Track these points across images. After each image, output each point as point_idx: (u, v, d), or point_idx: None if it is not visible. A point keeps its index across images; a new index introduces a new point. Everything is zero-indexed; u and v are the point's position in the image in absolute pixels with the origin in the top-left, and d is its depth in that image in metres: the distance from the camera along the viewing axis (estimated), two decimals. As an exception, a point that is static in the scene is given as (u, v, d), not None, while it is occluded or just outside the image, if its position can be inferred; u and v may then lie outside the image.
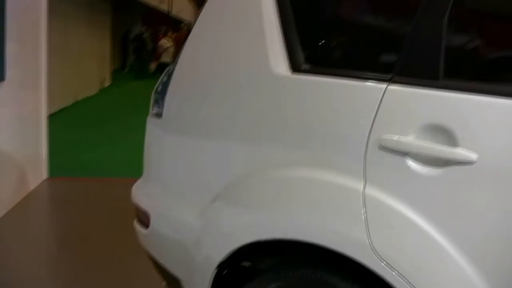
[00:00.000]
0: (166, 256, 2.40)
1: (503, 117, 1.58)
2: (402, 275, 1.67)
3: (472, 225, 1.61)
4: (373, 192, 1.73)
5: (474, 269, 1.60)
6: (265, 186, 1.97)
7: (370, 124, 1.74)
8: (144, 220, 2.46)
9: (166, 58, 17.65)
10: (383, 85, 1.74)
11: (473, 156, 1.58)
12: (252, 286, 2.06)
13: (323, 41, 2.08)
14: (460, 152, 1.60)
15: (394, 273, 1.68)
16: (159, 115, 2.36)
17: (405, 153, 1.68)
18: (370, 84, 1.77)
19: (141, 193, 2.53)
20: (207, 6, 2.26)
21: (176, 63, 2.32)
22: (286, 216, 1.92)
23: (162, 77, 2.41)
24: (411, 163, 1.68)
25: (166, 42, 19.18)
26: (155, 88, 2.44)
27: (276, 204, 1.95)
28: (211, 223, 2.13)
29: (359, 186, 1.75)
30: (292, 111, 1.94)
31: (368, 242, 1.71)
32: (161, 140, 2.38)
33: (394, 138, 1.69)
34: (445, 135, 1.63)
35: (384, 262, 1.69)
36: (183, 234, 2.25)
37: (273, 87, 2.00)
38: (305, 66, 1.95)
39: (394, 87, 1.73)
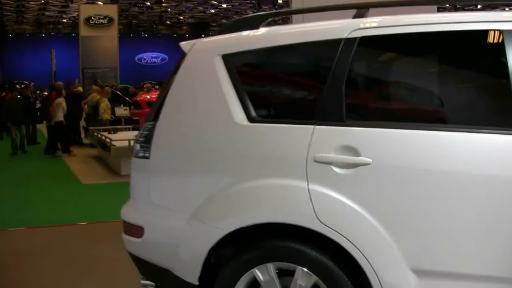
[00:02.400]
0: (159, 255, 3.47)
1: (381, 138, 2.98)
2: (337, 231, 2.97)
3: (374, 198, 2.96)
4: (313, 187, 3.02)
5: (379, 224, 2.93)
6: (246, 191, 3.18)
7: (307, 149, 3.05)
8: (137, 232, 3.52)
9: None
10: (312, 126, 3.07)
11: (369, 160, 2.95)
12: (239, 258, 3.25)
13: (268, 102, 3.40)
14: (361, 159, 2.96)
15: (332, 230, 2.98)
16: (146, 157, 3.46)
17: (329, 163, 3.01)
18: (304, 126, 3.09)
19: (132, 213, 3.61)
20: (177, 79, 3.43)
21: (157, 120, 3.44)
22: (262, 207, 3.15)
23: (142, 131, 3.52)
24: (334, 168, 3.01)
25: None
26: (137, 139, 3.54)
27: (255, 200, 3.17)
28: (201, 222, 3.28)
29: (305, 184, 3.04)
30: (252, 145, 3.20)
31: (315, 215, 3.00)
32: (149, 174, 3.48)
33: (322, 155, 3.02)
34: (351, 150, 2.98)
35: (326, 226, 2.99)
36: (175, 236, 3.36)
37: (235, 132, 3.24)
38: (256, 117, 3.22)
39: (319, 127, 3.07)
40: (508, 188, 2.76)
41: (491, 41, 2.98)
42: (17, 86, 24.55)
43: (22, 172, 12.96)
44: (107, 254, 6.15)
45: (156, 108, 3.53)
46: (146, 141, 3.48)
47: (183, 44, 3.57)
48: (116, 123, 16.18)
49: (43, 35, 45.12)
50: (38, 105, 20.84)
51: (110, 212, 8.37)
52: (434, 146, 2.89)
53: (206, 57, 3.42)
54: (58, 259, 6.10)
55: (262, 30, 3.46)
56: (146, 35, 47.19)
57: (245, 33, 3.46)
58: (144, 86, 22.72)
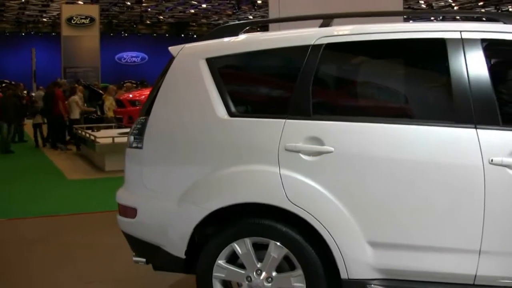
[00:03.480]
0: (150, 233, 3.97)
1: (342, 130, 3.51)
2: (305, 210, 3.50)
3: (336, 181, 3.49)
4: (284, 171, 3.54)
5: (340, 203, 3.44)
6: (226, 176, 3.69)
7: (279, 139, 3.57)
8: (130, 213, 4.02)
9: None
10: (283, 120, 3.60)
11: (331, 148, 3.47)
12: (220, 234, 3.76)
13: (246, 99, 3.93)
14: (325, 147, 3.49)
15: (300, 209, 3.50)
16: (139, 147, 3.96)
17: (298, 151, 3.53)
18: (277, 120, 3.61)
19: (126, 197, 4.10)
20: (167, 79, 3.94)
21: (148, 116, 3.94)
22: (239, 189, 3.67)
23: (136, 125, 4.02)
24: (302, 156, 3.53)
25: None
26: (131, 131, 4.04)
27: (234, 183, 3.68)
28: (188, 203, 3.78)
29: (277, 170, 3.56)
30: (232, 136, 3.71)
31: (285, 196, 3.52)
32: (142, 162, 3.98)
33: (292, 144, 3.54)
34: (316, 140, 3.51)
35: (295, 205, 3.51)
36: (165, 216, 3.86)
37: (218, 125, 3.75)
38: (236, 113, 3.74)
39: (289, 120, 3.59)
40: (449, 172, 3.31)
41: (435, 48, 3.52)
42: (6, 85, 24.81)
43: (9, 168, 13.39)
44: (98, 241, 6.66)
45: (148, 104, 4.03)
46: (139, 133, 3.97)
47: (172, 49, 4.07)
48: (99, 122, 16.67)
49: (23, 34, 45.19)
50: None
51: (95, 205, 8.90)
52: (386, 136, 3.43)
53: (192, 60, 3.93)
54: (48, 247, 6.56)
55: (242, 36, 3.99)
56: (126, 34, 47.43)
57: (226, 39, 3.99)
58: (124, 85, 23.10)
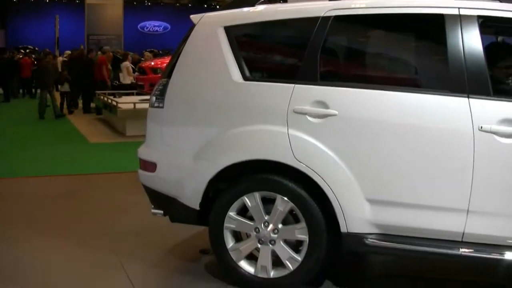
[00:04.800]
0: (168, 186, 4.32)
1: (346, 95, 3.82)
2: (310, 167, 3.83)
3: (339, 142, 3.80)
4: (292, 131, 3.87)
5: (342, 162, 3.77)
6: (239, 135, 4.02)
7: (288, 102, 3.89)
8: (150, 167, 4.37)
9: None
10: (292, 85, 3.92)
11: (336, 112, 3.79)
12: (232, 188, 4.12)
13: (259, 65, 4.26)
14: (330, 111, 3.80)
15: (306, 167, 3.83)
16: (160, 107, 4.30)
17: (305, 114, 3.86)
18: (287, 84, 3.94)
19: (147, 152, 4.46)
20: (187, 45, 4.27)
21: (170, 78, 4.27)
22: (250, 146, 4.01)
23: (158, 86, 4.36)
24: (308, 118, 3.85)
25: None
26: (153, 92, 4.38)
27: (246, 142, 4.02)
28: (203, 159, 4.13)
29: (285, 130, 3.89)
30: (246, 98, 4.04)
31: (292, 154, 3.86)
32: (163, 120, 4.33)
33: (300, 107, 3.86)
34: (322, 104, 3.83)
35: (301, 163, 3.84)
36: (182, 170, 4.21)
37: (233, 88, 4.08)
38: (250, 77, 4.07)
39: (298, 85, 3.91)
40: (442, 137, 3.62)
41: (435, 22, 3.81)
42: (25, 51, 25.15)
43: (35, 133, 13.85)
44: (118, 197, 7.08)
45: (169, 68, 4.37)
46: (161, 94, 4.31)
47: (193, 17, 4.40)
48: (121, 88, 17.03)
49: (47, 1, 45.51)
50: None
51: (115, 166, 9.30)
52: (385, 102, 3.75)
53: (211, 28, 4.26)
54: (71, 202, 6.98)
55: (258, 7, 4.30)
56: (149, 3, 47.52)
57: (244, 9, 4.31)
58: (145, 54, 23.42)
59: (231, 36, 4.17)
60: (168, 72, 4.36)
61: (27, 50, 29.63)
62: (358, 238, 3.82)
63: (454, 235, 3.69)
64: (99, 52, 19.66)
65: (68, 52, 18.23)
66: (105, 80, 17.08)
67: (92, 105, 17.40)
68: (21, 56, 24.58)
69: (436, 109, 3.66)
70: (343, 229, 3.83)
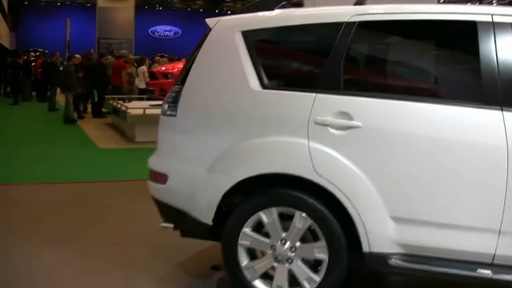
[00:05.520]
0: (180, 199, 4.09)
1: (371, 106, 3.59)
2: (331, 182, 3.59)
3: (362, 155, 3.58)
4: (313, 144, 3.63)
5: (366, 177, 3.54)
6: (256, 146, 3.79)
7: (309, 112, 3.66)
8: (161, 179, 4.15)
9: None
10: (314, 94, 3.68)
11: (360, 123, 3.56)
12: (247, 202, 3.88)
13: (279, 72, 4.03)
14: (353, 122, 3.57)
15: (327, 181, 3.59)
16: (173, 115, 4.07)
17: (327, 125, 3.62)
18: (308, 93, 3.70)
19: (158, 163, 4.23)
20: (202, 50, 4.05)
21: (183, 85, 4.05)
22: (268, 159, 3.78)
23: (170, 93, 4.14)
24: (331, 129, 3.62)
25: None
26: (166, 99, 4.16)
27: (264, 154, 3.79)
28: (217, 171, 3.90)
29: (306, 142, 3.65)
30: (264, 108, 3.81)
31: (313, 168, 3.62)
32: (175, 129, 4.10)
33: (322, 118, 3.63)
34: (345, 115, 3.59)
35: (322, 177, 3.61)
36: (195, 183, 3.98)
37: (250, 97, 3.85)
38: (269, 85, 3.84)
39: (320, 95, 3.68)
40: (475, 152, 3.38)
41: (466, 30, 3.57)
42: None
43: (44, 136, 13.76)
44: (127, 207, 6.86)
45: (183, 74, 4.14)
46: (174, 102, 4.09)
47: (209, 21, 4.17)
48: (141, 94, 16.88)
49: (59, 4, 45.61)
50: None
51: (125, 173, 9.10)
52: (413, 114, 3.51)
53: (228, 32, 4.03)
54: (79, 209, 6.77)
55: (277, 11, 4.06)
56: (160, 8, 47.61)
57: (262, 13, 4.07)
58: (155, 58, 23.29)
59: (249, 41, 3.94)
60: (182, 78, 4.13)
61: (37, 53, 29.59)
62: (381, 258, 3.58)
63: (484, 256, 3.45)
64: (109, 56, 19.51)
65: (78, 56, 18.07)
66: (121, 86, 16.96)
67: (105, 109, 17.25)
68: (33, 59, 24.55)
69: (470, 123, 3.42)
70: (365, 248, 3.59)
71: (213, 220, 3.95)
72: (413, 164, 3.49)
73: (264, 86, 3.84)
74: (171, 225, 4.27)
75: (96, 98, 17.69)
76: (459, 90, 3.73)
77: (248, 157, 3.84)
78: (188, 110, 4.06)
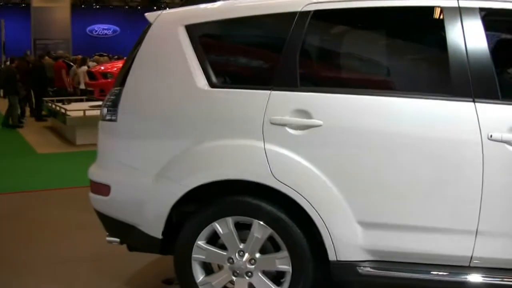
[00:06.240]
0: (125, 212, 3.72)
1: (332, 102, 3.28)
2: (292, 187, 3.27)
3: (325, 157, 3.27)
4: (269, 146, 3.30)
5: (330, 181, 3.23)
6: (207, 151, 3.44)
7: (264, 111, 3.33)
8: (104, 190, 3.75)
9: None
10: (268, 91, 3.35)
11: (320, 122, 3.24)
12: (200, 213, 3.53)
13: (228, 69, 3.67)
14: (313, 121, 3.26)
15: (287, 187, 3.27)
16: (113, 120, 3.68)
17: (284, 125, 3.30)
18: (261, 91, 3.37)
19: (99, 173, 3.83)
20: (143, 47, 3.66)
21: (123, 87, 3.67)
22: (220, 164, 3.43)
23: (109, 96, 3.75)
24: (288, 130, 3.29)
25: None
26: (104, 103, 3.77)
27: (216, 159, 3.44)
28: (166, 180, 3.53)
29: (261, 144, 3.32)
30: (213, 108, 3.46)
31: (270, 173, 3.29)
32: (116, 136, 3.71)
33: (278, 117, 3.30)
34: (304, 113, 3.28)
35: (281, 182, 3.28)
36: (141, 193, 3.60)
37: (198, 96, 3.49)
38: (218, 83, 3.49)
39: (274, 92, 3.35)
40: (446, 148, 3.11)
41: (431, 16, 3.30)
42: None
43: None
44: (70, 217, 6.40)
45: (123, 74, 3.76)
46: (113, 105, 3.70)
47: (148, 15, 3.79)
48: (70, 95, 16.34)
49: (-8, 5, 44.10)
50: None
51: (66, 180, 8.60)
52: (378, 110, 3.21)
53: (170, 27, 3.65)
54: (17, 224, 6.29)
55: (221, 2, 3.71)
56: (97, 6, 46.53)
57: (205, 5, 3.71)
58: (95, 58, 22.68)
59: (194, 36, 3.57)
60: (121, 79, 3.74)
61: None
62: (349, 266, 3.29)
63: (461, 260, 3.20)
64: (46, 57, 18.84)
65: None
66: (64, 87, 16.53)
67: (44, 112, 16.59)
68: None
69: (439, 117, 3.15)
70: (331, 257, 3.30)
71: (163, 233, 3.58)
72: (381, 164, 3.20)
73: (212, 85, 3.49)
74: (117, 240, 3.89)
75: (33, 101, 16.99)
76: (428, 82, 3.45)
77: (199, 163, 3.49)
78: (130, 114, 3.68)
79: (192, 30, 3.58)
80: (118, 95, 3.70)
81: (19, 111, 15.64)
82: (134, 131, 3.67)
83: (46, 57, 18.99)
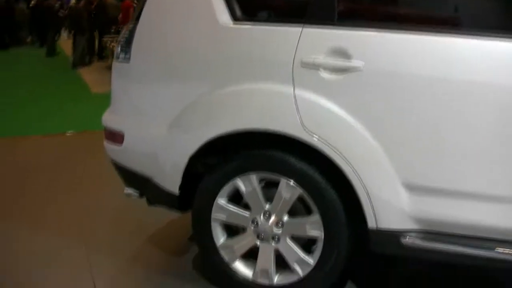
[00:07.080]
0: (139, 162, 3.31)
1: (375, 41, 2.72)
2: (324, 141, 2.76)
3: (365, 106, 2.73)
4: (299, 92, 2.79)
5: (370, 134, 2.71)
6: (228, 97, 2.96)
7: (294, 51, 2.80)
8: (117, 138, 3.34)
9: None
10: (300, 27, 2.81)
11: (360, 64, 2.70)
12: (217, 168, 3.08)
13: (255, 1, 3.13)
14: (352, 62, 2.71)
15: (319, 140, 2.77)
16: (127, 60, 3.23)
17: (318, 67, 2.77)
18: (292, 27, 2.83)
19: (113, 120, 3.42)
20: None
21: (137, 22, 3.19)
22: (244, 113, 2.94)
23: (124, 33, 3.29)
24: (323, 73, 2.76)
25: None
26: (118, 41, 3.31)
27: (238, 106, 2.95)
28: (181, 129, 3.08)
29: (290, 89, 2.81)
30: (237, 47, 2.95)
31: (300, 122, 2.78)
32: (129, 78, 3.27)
33: (311, 58, 2.77)
34: (342, 54, 2.73)
35: (312, 134, 2.77)
36: (155, 143, 3.17)
37: (219, 34, 2.98)
38: (242, 18, 2.96)
39: (307, 28, 2.80)
40: None
41: None
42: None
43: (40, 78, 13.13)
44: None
45: (140, 7, 3.28)
46: (127, 44, 3.24)
47: None
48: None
49: None
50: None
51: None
52: (434, 51, 2.63)
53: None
54: (63, 171, 6.01)
55: None
56: None
57: None
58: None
59: None
60: (138, 13, 3.26)
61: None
62: (391, 236, 2.78)
63: None
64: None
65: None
66: None
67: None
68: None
69: (507, 61, 2.54)
70: (371, 224, 2.79)
71: (181, 188, 3.16)
72: (432, 116, 2.63)
73: (236, 19, 2.97)
74: (136, 193, 3.49)
75: (96, 41, 17.03)
76: (494, 19, 2.80)
77: (218, 110, 3.01)
78: (143, 54, 3.21)
79: None
80: (131, 32, 3.23)
81: (86, 51, 15.68)
82: (148, 74, 3.21)
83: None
